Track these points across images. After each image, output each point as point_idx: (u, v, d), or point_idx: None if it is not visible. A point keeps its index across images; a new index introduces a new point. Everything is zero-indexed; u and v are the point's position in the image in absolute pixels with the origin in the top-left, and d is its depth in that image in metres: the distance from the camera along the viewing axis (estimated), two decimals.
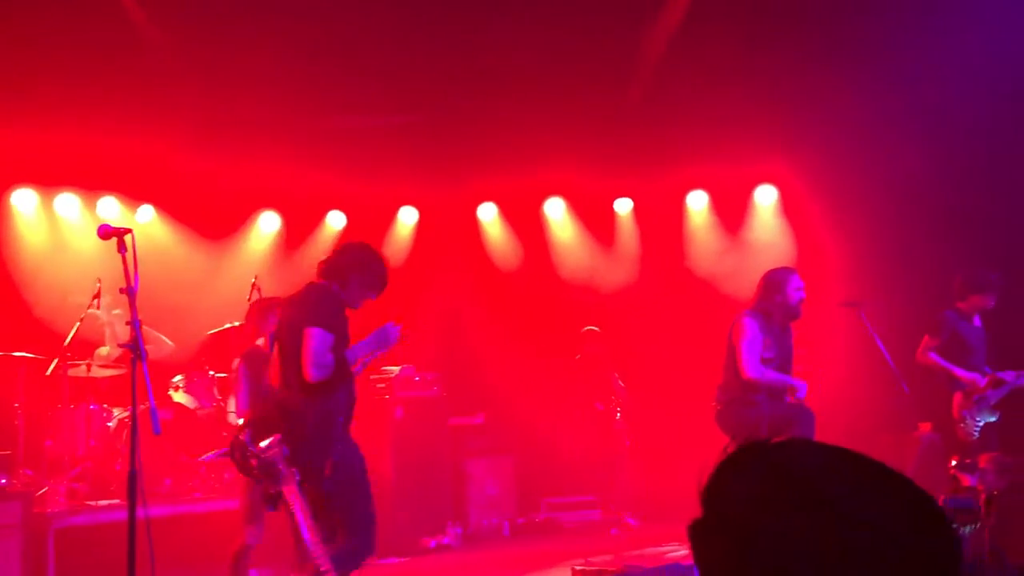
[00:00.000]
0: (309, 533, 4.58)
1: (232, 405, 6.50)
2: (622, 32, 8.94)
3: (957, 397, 7.17)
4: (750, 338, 6.09)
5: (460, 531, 8.92)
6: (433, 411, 9.03)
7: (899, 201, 9.13)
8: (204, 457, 7.27)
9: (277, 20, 8.20)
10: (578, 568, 6.61)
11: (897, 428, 8.18)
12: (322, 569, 4.56)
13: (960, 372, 7.06)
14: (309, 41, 8.48)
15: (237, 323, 8.45)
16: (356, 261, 4.88)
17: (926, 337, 7.19)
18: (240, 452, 4.58)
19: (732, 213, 10.40)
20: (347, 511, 4.72)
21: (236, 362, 6.05)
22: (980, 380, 7.09)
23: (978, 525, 4.19)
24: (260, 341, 6.21)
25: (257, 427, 4.62)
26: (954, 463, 5.67)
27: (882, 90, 8.88)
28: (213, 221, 9.79)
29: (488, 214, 10.68)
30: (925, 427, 7.83)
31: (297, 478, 4.55)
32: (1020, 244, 8.62)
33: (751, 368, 6.05)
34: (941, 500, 4.71)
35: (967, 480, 5.43)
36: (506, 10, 8.50)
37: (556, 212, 10.68)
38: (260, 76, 8.56)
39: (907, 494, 1.02)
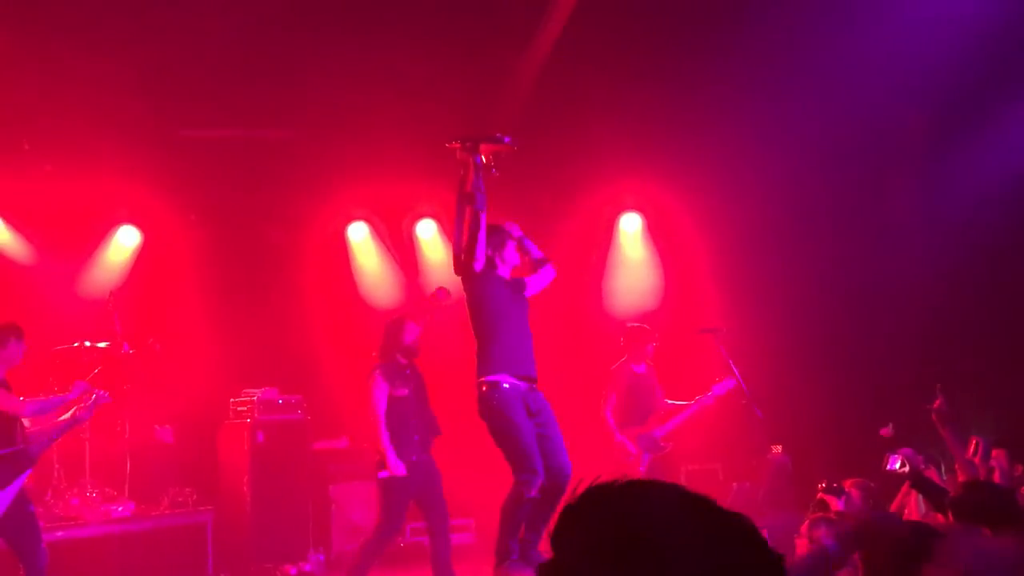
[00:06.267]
0: None
1: None
2: (493, 59, 9.02)
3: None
4: (375, 395, 6.78)
5: (322, 557, 8.71)
6: (296, 435, 8.81)
7: (755, 234, 9.51)
8: None
9: (129, 26, 7.92)
10: None
11: (752, 450, 8.46)
12: None
13: (616, 437, 7.75)
14: (158, 51, 8.22)
15: (88, 343, 8.03)
16: None
17: (604, 393, 7.84)
18: None
19: (598, 239, 10.56)
20: None
21: None
22: (629, 447, 7.73)
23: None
24: None
25: None
26: (822, 487, 5.78)
27: (744, 121, 9.22)
28: (66, 234, 9.33)
29: (358, 234, 10.55)
30: (776, 449, 8.12)
31: None
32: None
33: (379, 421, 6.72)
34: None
35: (836, 504, 5.57)
36: (377, 29, 8.44)
37: (426, 233, 10.62)
38: (111, 85, 8.24)
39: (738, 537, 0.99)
